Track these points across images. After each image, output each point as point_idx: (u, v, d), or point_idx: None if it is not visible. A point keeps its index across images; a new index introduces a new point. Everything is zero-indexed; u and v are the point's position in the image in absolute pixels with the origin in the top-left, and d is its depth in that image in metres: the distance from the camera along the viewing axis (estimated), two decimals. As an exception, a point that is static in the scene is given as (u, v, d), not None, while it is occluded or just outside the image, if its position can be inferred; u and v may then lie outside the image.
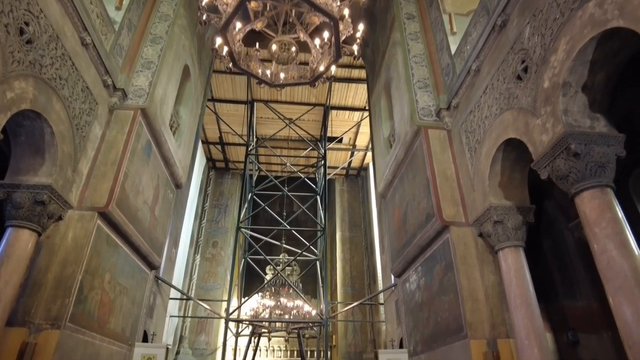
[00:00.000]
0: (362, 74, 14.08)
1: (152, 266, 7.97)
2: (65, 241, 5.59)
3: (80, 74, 5.86)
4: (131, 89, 7.18)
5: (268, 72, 4.45)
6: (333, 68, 4.32)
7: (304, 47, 4.62)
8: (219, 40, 4.15)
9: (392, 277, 9.51)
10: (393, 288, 9.49)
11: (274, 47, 4.12)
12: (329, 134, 15.86)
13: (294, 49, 4.34)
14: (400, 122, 8.19)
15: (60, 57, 5.33)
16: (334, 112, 15.80)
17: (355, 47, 4.15)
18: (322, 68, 4.23)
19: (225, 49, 4.21)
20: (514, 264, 5.55)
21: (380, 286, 14.77)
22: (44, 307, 5.13)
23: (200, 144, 16.43)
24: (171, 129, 8.59)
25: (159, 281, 8.78)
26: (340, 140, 17.29)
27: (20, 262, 4.99)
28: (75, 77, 5.75)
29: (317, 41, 4.42)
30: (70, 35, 5.56)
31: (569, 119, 4.33)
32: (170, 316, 13.28)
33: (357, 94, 15.23)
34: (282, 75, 4.49)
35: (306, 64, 4.45)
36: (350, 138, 17.64)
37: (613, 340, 5.89)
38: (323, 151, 15.05)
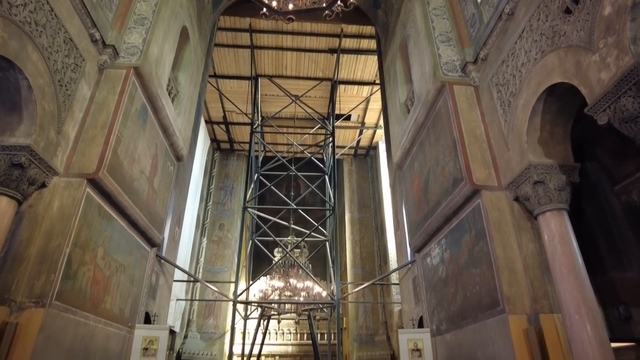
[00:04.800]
0: (372, 44, 13.28)
1: (153, 243, 7.38)
2: (50, 211, 4.98)
3: (62, 23, 5.17)
4: (123, 47, 6.49)
5: (274, 2, 3.73)
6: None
7: None
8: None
9: (409, 253, 8.89)
10: (410, 265, 8.87)
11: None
12: (336, 111, 15.12)
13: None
14: (420, 81, 7.44)
15: (35, -2, 4.64)
16: (341, 87, 15.04)
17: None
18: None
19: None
20: (558, 230, 4.86)
21: (392, 267, 14.19)
22: (26, 284, 4.54)
23: (204, 124, 15.80)
24: (170, 95, 7.91)
25: (162, 261, 8.22)
26: (349, 118, 16.56)
27: (-2, 232, 4.40)
28: (55, 25, 5.06)
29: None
30: (46, -25, 4.86)
31: (639, 49, 3.59)
32: (177, 299, 12.82)
33: (367, 66, 14.42)
34: (290, 5, 3.77)
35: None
36: (359, 115, 16.89)
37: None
38: (331, 128, 14.32)
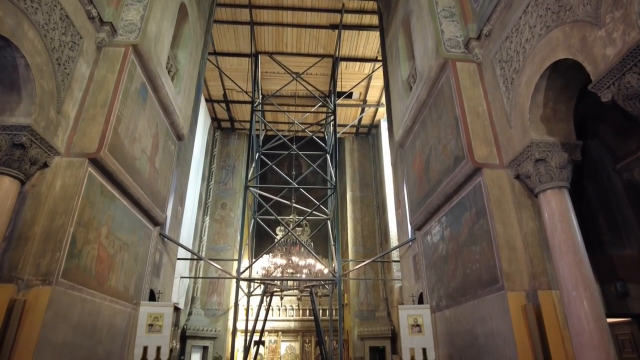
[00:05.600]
0: (374, 20, 13.03)
1: (156, 222, 7.45)
2: (52, 190, 5.01)
3: (57, -1, 5.09)
4: (121, 24, 6.39)
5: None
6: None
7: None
8: None
9: (410, 231, 8.96)
10: (410, 243, 8.95)
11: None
12: (338, 89, 14.94)
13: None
14: (423, 58, 7.33)
15: (29, -27, 4.54)
16: (343, 64, 14.82)
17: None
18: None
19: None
20: (559, 207, 4.88)
21: (393, 244, 14.33)
22: (32, 262, 4.61)
23: (204, 102, 15.68)
24: (169, 73, 7.83)
25: (165, 239, 8.31)
26: (350, 96, 16.38)
27: (2, 212, 4.44)
28: (51, 1, 4.95)
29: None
30: (39, -51, 4.74)
31: (646, 23, 3.51)
32: (181, 277, 13.02)
33: (369, 42, 14.18)
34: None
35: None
36: (360, 93, 16.70)
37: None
38: (332, 106, 14.20)
